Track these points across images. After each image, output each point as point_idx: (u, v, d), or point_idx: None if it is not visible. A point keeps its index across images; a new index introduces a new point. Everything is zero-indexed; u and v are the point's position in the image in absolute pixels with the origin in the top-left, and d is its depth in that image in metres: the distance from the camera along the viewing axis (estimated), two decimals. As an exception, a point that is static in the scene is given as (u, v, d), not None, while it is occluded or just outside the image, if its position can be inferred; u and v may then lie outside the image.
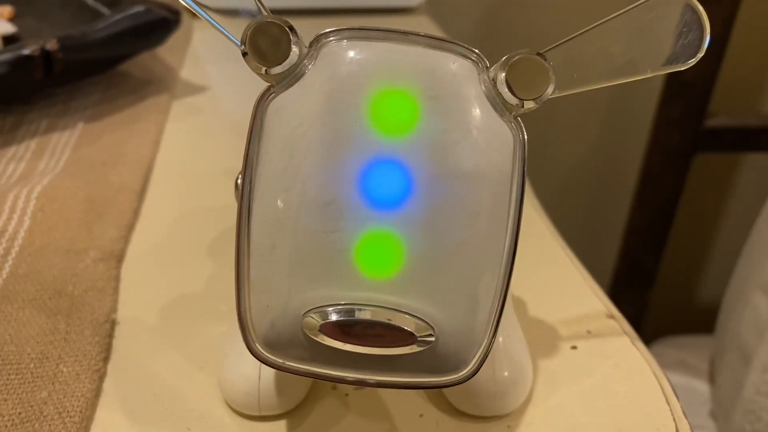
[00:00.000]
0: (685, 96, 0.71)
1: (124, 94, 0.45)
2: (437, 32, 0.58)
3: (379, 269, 0.19)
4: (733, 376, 0.59)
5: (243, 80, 0.45)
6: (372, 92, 0.19)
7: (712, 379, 0.65)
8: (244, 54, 0.19)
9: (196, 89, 0.48)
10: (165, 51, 0.51)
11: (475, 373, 0.20)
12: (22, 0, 0.51)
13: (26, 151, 0.39)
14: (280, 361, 0.20)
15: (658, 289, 0.87)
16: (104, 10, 0.46)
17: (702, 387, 0.66)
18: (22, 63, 0.38)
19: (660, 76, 0.72)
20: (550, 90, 0.19)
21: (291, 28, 0.19)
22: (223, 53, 0.54)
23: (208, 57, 0.54)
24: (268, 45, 0.19)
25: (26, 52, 0.38)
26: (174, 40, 0.48)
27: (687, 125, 0.73)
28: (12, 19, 0.50)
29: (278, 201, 0.19)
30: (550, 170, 0.88)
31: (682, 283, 0.96)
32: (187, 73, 0.51)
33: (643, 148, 0.77)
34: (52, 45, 0.39)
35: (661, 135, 0.74)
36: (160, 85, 0.47)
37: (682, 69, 0.21)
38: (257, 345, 0.20)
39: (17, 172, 0.37)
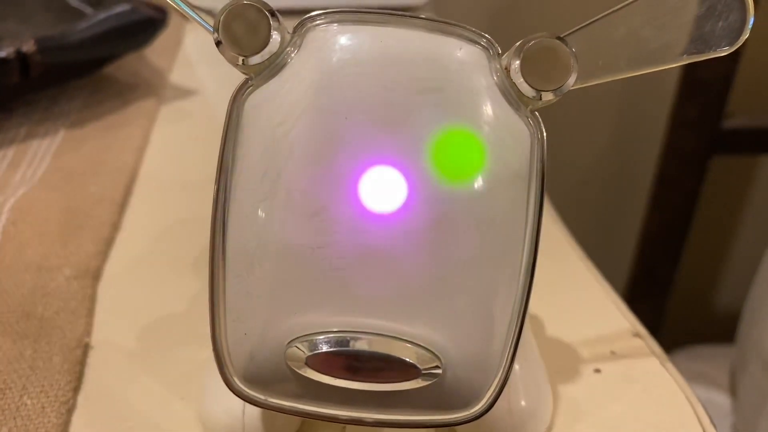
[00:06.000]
0: (702, 95, 0.70)
1: (109, 98, 0.44)
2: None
3: (375, 290, 0.17)
4: (757, 388, 0.58)
5: (237, 83, 0.44)
6: (366, 84, 0.17)
7: (733, 391, 0.64)
8: (218, 43, 0.18)
9: (185, 93, 0.47)
10: (153, 53, 0.50)
11: (490, 407, 0.18)
12: (3, 2, 0.50)
13: (2, 161, 0.38)
14: (263, 398, 0.18)
15: (674, 298, 0.86)
16: (89, 11, 0.45)
17: (722, 399, 0.65)
18: (-5, 66, 0.36)
19: (675, 74, 0.71)
20: (571, 80, 0.18)
21: (271, 12, 0.18)
22: (216, 55, 0.52)
23: (200, 59, 0.54)
24: (244, 31, 0.17)
25: (0, 54, 0.36)
26: (164, 41, 0.47)
27: (704, 126, 0.72)
28: (-7, 23, 0.48)
29: (258, 211, 0.17)
30: (559, 174, 0.87)
31: (700, 291, 0.96)
32: (176, 76, 0.50)
33: (657, 151, 0.76)
34: (28, 47, 0.37)
35: (677, 137, 0.73)
36: (147, 88, 0.46)
37: (723, 55, 0.19)
38: (235, 379, 0.18)
39: (-9, 183, 0.35)
